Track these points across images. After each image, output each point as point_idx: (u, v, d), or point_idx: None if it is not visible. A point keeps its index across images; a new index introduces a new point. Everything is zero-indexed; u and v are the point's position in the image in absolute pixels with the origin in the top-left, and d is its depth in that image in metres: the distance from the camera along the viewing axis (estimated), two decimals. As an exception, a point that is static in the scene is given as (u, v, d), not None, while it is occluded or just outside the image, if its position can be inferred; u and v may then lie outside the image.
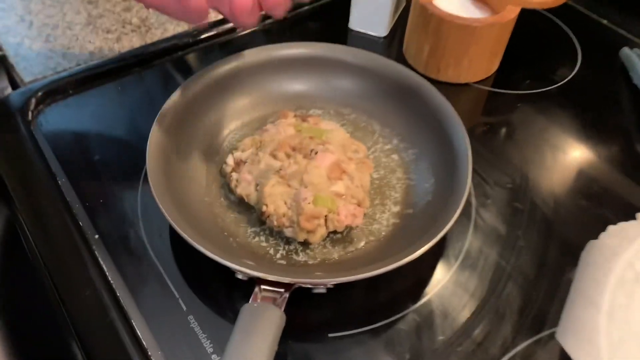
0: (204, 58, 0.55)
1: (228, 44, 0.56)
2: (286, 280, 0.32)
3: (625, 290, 0.35)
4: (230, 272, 0.33)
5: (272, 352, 0.29)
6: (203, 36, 0.56)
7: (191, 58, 0.55)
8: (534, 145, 0.48)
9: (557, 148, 0.48)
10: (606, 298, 0.34)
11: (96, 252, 0.38)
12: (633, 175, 0.46)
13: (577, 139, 0.49)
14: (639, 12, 0.60)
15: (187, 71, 0.54)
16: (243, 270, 0.32)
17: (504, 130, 0.50)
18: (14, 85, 0.52)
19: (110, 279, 0.37)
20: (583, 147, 0.49)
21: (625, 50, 0.56)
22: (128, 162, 0.44)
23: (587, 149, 0.48)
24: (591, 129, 0.50)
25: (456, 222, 0.35)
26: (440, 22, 0.48)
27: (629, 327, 0.33)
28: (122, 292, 0.36)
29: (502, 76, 0.54)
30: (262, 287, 0.32)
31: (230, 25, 0.57)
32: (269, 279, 0.32)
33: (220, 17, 0.58)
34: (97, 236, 0.39)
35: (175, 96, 0.42)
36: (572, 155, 0.48)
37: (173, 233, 0.38)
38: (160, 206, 0.35)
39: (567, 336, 0.34)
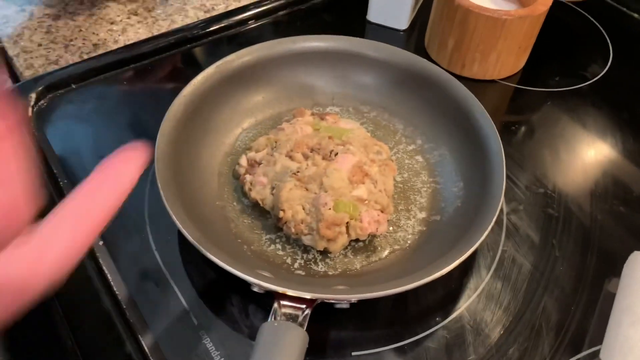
0: (213, 51, 0.52)
1: (238, 36, 0.53)
2: (308, 295, 0.29)
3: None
4: (246, 283, 0.31)
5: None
6: (212, 28, 0.53)
7: (199, 51, 0.52)
8: (565, 146, 0.45)
9: (590, 150, 0.45)
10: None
11: (100, 261, 0.35)
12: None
13: (611, 140, 0.46)
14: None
15: (195, 65, 0.51)
16: (261, 283, 0.29)
17: (533, 130, 0.47)
18: (14, 79, 0.49)
19: (115, 290, 0.34)
20: (618, 149, 0.46)
21: (660, 45, 0.53)
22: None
23: (622, 151, 0.45)
24: (626, 129, 0.47)
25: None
26: (467, 14, 0.45)
27: (683, 350, 0.30)
28: (128, 306, 0.33)
29: (530, 73, 0.51)
30: (282, 302, 0.30)
31: (240, 17, 0.54)
32: (290, 293, 0.29)
33: (230, 7, 0.55)
34: (101, 242, 0.36)
35: (185, 92, 0.39)
36: (607, 158, 0.45)
37: (183, 240, 0.35)
38: (170, 211, 0.32)
39: (614, 356, 0.31)
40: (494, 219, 0.33)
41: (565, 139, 0.46)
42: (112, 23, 0.53)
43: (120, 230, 0.37)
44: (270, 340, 0.27)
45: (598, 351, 0.32)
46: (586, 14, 0.58)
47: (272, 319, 0.29)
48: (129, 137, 0.44)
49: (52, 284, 0.17)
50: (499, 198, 0.34)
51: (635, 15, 0.58)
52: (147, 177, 0.39)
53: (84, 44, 0.51)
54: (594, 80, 0.51)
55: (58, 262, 0.16)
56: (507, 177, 0.42)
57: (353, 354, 0.32)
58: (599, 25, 0.57)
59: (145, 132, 0.43)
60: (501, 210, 0.40)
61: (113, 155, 0.19)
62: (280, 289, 0.29)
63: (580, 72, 0.52)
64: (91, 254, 0.36)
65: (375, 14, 0.54)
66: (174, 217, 0.32)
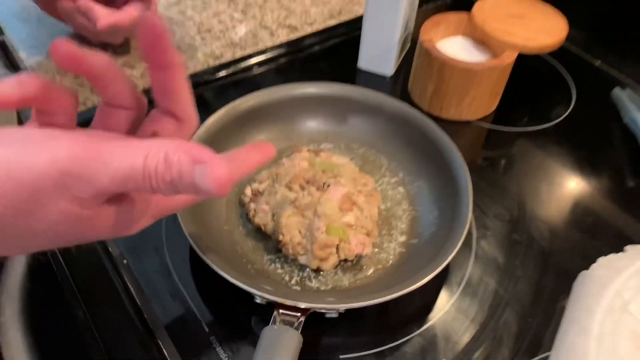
0: (221, 94, 0.59)
1: (243, 81, 0.60)
2: (302, 305, 0.35)
3: (613, 318, 0.37)
4: (250, 297, 0.36)
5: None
6: (220, 74, 0.60)
7: (209, 94, 0.59)
8: (532, 179, 0.52)
9: (553, 182, 0.52)
10: (595, 325, 0.37)
11: (125, 277, 0.41)
12: (625, 208, 0.49)
13: (572, 173, 0.53)
14: (630, 54, 0.64)
15: (205, 106, 0.58)
16: (264, 295, 0.35)
17: (503, 165, 0.53)
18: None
19: (138, 302, 0.39)
20: (578, 181, 0.52)
21: (617, 90, 0.60)
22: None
23: (581, 183, 0.52)
24: (585, 164, 0.53)
25: (458, 252, 0.39)
26: (443, 65, 0.52)
27: (616, 353, 0.36)
28: (149, 315, 0.39)
29: (501, 114, 0.58)
30: (281, 311, 0.35)
31: (245, 64, 0.61)
32: (287, 303, 0.35)
33: (237, 55, 0.62)
34: (125, 261, 0.42)
35: (200, 131, 0.45)
36: (568, 189, 0.51)
37: (195, 259, 0.41)
38: (187, 234, 0.38)
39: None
40: (461, 241, 0.39)
41: (531, 173, 0.52)
42: (132, 68, 0.60)
43: (142, 249, 0.43)
44: (271, 340, 0.33)
45: (549, 356, 0.38)
46: (552, 61, 0.65)
47: (272, 324, 0.35)
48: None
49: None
50: (466, 223, 0.40)
51: (597, 62, 0.65)
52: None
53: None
54: (558, 121, 0.58)
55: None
56: (478, 206, 0.48)
57: (341, 357, 0.38)
58: (563, 71, 0.64)
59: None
60: (471, 235, 0.46)
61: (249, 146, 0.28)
62: (279, 300, 0.35)
63: (546, 114, 0.58)
64: (117, 271, 0.42)
65: (365, 62, 0.61)
66: (191, 241, 0.38)
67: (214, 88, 0.59)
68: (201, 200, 0.34)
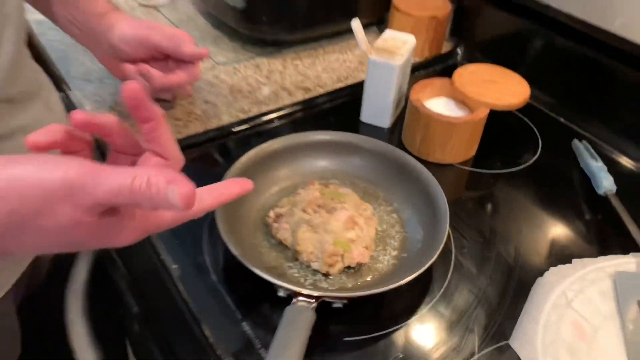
0: (248, 142, 0.71)
1: (267, 132, 0.73)
2: (315, 293, 0.46)
3: (557, 311, 0.48)
4: (273, 291, 0.47)
5: (306, 340, 0.43)
6: (248, 126, 0.72)
7: (238, 142, 0.71)
8: (503, 211, 0.63)
9: (520, 214, 0.63)
10: (543, 316, 0.48)
11: (174, 280, 0.52)
12: (579, 235, 0.60)
13: (537, 207, 0.64)
14: (586, 112, 0.77)
15: (235, 150, 0.70)
16: (287, 286, 0.46)
17: (479, 199, 0.65)
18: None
19: (186, 298, 0.50)
20: (541, 213, 0.63)
21: (575, 141, 0.72)
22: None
23: (544, 215, 0.63)
24: (548, 200, 0.65)
25: (440, 264, 0.50)
26: (429, 119, 0.65)
27: (558, 336, 0.46)
28: (195, 308, 0.49)
29: (479, 159, 0.70)
30: (299, 298, 0.46)
31: (268, 118, 0.74)
32: (304, 292, 0.46)
33: (262, 111, 0.75)
34: (175, 266, 0.53)
35: (233, 167, 0.58)
36: (533, 220, 0.62)
37: (229, 264, 0.52)
38: (227, 242, 0.49)
39: (516, 342, 0.47)
40: (438, 253, 0.50)
41: (502, 207, 0.64)
42: (177, 120, 0.73)
43: (187, 255, 0.54)
44: (291, 316, 0.44)
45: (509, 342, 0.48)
46: (522, 116, 0.77)
47: (292, 305, 0.45)
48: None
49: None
50: (443, 240, 0.51)
51: (560, 118, 0.78)
52: (204, 222, 0.57)
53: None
54: (527, 165, 0.70)
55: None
56: (457, 230, 0.59)
57: (345, 339, 0.48)
58: (531, 124, 0.76)
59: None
60: (451, 252, 0.57)
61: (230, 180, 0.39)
62: (298, 289, 0.46)
63: (516, 159, 0.70)
64: (169, 275, 0.53)
65: (367, 116, 0.74)
66: (230, 247, 0.49)
67: (243, 136, 0.72)
68: (178, 223, 0.39)
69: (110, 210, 0.34)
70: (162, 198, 0.31)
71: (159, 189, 0.31)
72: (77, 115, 0.35)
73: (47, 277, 0.69)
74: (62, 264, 0.61)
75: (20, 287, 0.60)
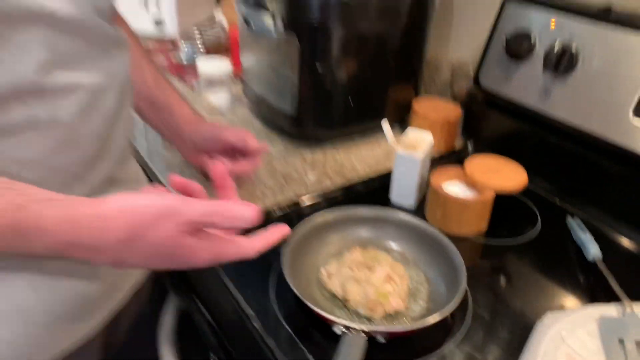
0: (297, 218, 0.88)
1: (311, 210, 0.90)
2: (366, 328, 0.60)
3: (553, 345, 0.61)
4: (329, 329, 0.62)
5: (360, 360, 0.57)
6: (299, 206, 0.90)
7: (292, 217, 0.88)
8: (510, 273, 0.77)
9: (524, 276, 0.77)
10: (541, 350, 0.61)
11: (253, 323, 0.66)
12: (574, 294, 0.74)
13: (537, 271, 0.78)
14: (577, 195, 0.93)
15: (290, 225, 0.86)
16: (345, 322, 0.60)
17: (490, 265, 0.79)
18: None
19: (263, 337, 0.65)
20: (542, 277, 0.77)
21: (569, 218, 0.87)
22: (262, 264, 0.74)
23: (544, 279, 0.77)
24: (547, 265, 0.79)
25: (459, 312, 0.63)
26: (446, 199, 0.82)
27: (555, 362, 0.59)
28: (271, 344, 0.64)
29: (489, 233, 0.85)
30: (352, 331, 0.60)
31: (313, 199, 0.91)
32: (358, 327, 0.60)
33: (306, 193, 0.93)
34: (252, 312, 0.68)
35: (293, 233, 0.74)
36: (535, 282, 0.76)
37: (295, 308, 0.67)
38: (297, 292, 0.64)
39: (522, 369, 0.60)
40: (457, 304, 0.64)
41: (509, 270, 0.78)
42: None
43: (259, 295, 0.69)
44: (349, 341, 0.58)
45: (518, 371, 0.61)
46: (523, 199, 0.94)
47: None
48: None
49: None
50: (461, 295, 0.65)
51: (556, 199, 0.94)
52: (269, 274, 0.72)
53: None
54: (529, 238, 0.85)
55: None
56: (474, 287, 0.73)
57: (387, 367, 0.61)
58: (532, 205, 0.92)
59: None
60: (468, 304, 0.71)
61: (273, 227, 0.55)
62: (353, 324, 0.60)
63: (520, 234, 0.86)
64: (248, 319, 0.67)
65: (395, 198, 0.91)
66: (298, 294, 0.64)
67: (295, 213, 0.88)
68: (241, 256, 0.52)
69: (195, 232, 0.48)
70: (238, 214, 0.47)
71: (234, 207, 0.48)
72: (175, 178, 0.54)
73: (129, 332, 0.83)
74: (142, 320, 0.75)
75: (102, 342, 0.69)
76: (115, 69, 0.61)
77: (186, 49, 1.45)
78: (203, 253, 0.49)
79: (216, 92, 1.18)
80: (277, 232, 0.56)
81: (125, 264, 0.48)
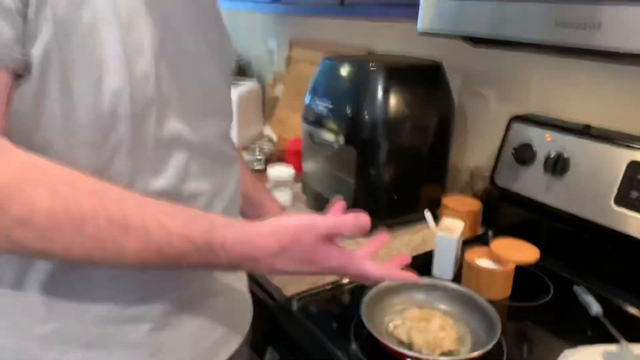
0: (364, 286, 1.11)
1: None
2: (427, 357, 0.83)
3: (570, 371, 0.83)
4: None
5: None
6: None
7: (356, 290, 1.12)
8: (532, 327, 1.00)
9: (542, 328, 1.00)
10: (562, 374, 0.83)
11: (332, 345, 0.89)
12: (580, 339, 0.96)
13: (551, 324, 1.01)
14: (582, 270, 1.17)
15: (352, 295, 1.10)
16: (416, 355, 0.83)
17: (517, 320, 1.02)
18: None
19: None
20: (557, 329, 1.00)
21: (575, 287, 1.11)
22: (345, 312, 0.97)
23: (558, 329, 0.99)
24: (559, 321, 1.02)
25: (497, 351, 0.86)
26: (479, 270, 1.06)
27: (572, 382, 0.81)
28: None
29: (512, 297, 1.09)
30: (421, 361, 0.83)
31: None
32: (430, 358, 0.83)
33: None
34: (331, 346, 0.90)
35: (366, 294, 0.98)
36: (550, 331, 0.99)
37: (371, 346, 0.89)
38: (377, 336, 0.87)
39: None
40: (493, 344, 0.87)
41: (531, 325, 1.01)
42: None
43: (344, 331, 0.91)
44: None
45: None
46: (537, 271, 1.18)
47: (420, 364, 0.82)
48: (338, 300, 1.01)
49: None
50: (497, 338, 0.88)
51: (564, 273, 1.18)
52: (351, 324, 0.95)
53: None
54: (543, 302, 1.08)
55: None
56: (504, 336, 0.96)
57: (448, 390, 0.83)
58: (543, 276, 1.16)
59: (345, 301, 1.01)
60: (502, 346, 0.93)
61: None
62: (421, 356, 0.83)
63: (536, 298, 1.09)
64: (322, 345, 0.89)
65: (437, 271, 1.15)
66: (378, 337, 0.87)
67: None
68: (348, 271, 0.66)
69: (328, 240, 0.61)
70: (358, 223, 0.62)
71: (353, 218, 0.62)
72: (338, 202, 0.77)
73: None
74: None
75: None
76: (229, 179, 0.84)
77: (247, 158, 1.76)
78: (333, 260, 0.62)
79: (281, 191, 1.46)
80: (398, 263, 0.76)
81: (278, 271, 0.62)
